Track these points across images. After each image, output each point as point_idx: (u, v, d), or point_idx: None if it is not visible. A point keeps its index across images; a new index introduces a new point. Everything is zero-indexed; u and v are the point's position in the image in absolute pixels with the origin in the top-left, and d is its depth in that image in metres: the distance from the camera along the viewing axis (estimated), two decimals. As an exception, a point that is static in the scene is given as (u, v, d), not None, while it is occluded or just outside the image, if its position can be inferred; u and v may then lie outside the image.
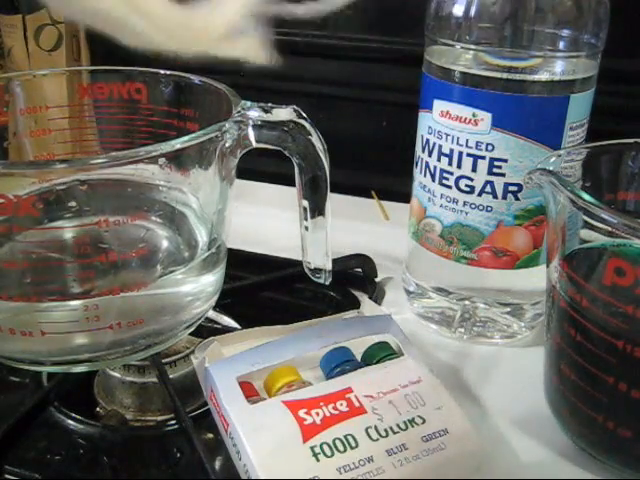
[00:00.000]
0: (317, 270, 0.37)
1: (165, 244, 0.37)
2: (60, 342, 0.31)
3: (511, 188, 0.37)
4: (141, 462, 0.33)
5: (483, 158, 0.37)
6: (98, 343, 0.32)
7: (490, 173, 0.37)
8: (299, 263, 0.38)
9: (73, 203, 0.36)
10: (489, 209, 0.38)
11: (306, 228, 0.35)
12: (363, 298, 0.39)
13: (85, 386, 0.37)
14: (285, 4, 0.35)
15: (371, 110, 0.61)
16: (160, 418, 0.36)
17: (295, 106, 0.33)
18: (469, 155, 0.37)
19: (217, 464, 0.32)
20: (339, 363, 0.33)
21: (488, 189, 0.38)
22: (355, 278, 0.48)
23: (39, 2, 0.57)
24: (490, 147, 0.37)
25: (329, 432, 0.29)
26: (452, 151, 0.38)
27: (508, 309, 0.41)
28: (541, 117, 0.36)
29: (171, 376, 0.36)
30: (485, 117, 0.36)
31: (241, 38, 0.34)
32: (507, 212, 0.38)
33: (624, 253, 0.28)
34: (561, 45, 0.35)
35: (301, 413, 0.30)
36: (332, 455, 0.28)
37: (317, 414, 0.30)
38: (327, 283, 0.38)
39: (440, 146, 0.38)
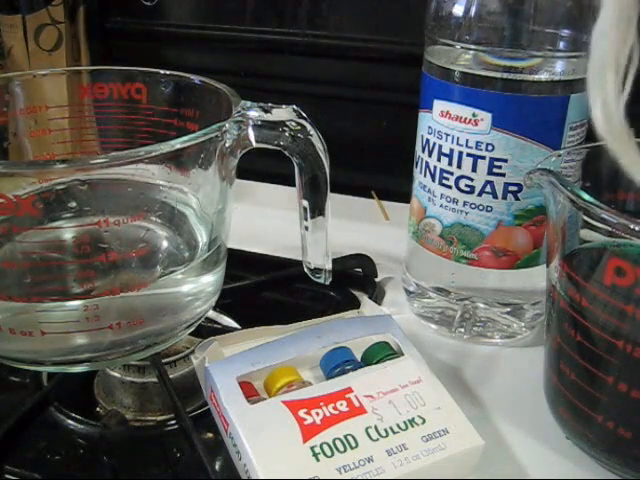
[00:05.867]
0: (317, 270, 0.37)
1: (165, 244, 0.37)
2: (60, 342, 0.31)
3: (511, 188, 0.37)
4: (141, 462, 0.33)
5: (483, 158, 0.37)
6: (98, 343, 0.32)
7: (490, 173, 0.37)
8: (299, 263, 0.38)
9: (73, 203, 0.36)
10: (489, 209, 0.38)
11: (306, 228, 0.35)
12: (363, 298, 0.39)
13: (85, 386, 0.37)
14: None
15: (371, 110, 0.61)
16: (160, 418, 0.36)
17: (295, 106, 0.33)
18: (469, 155, 0.37)
19: (217, 464, 0.32)
20: (339, 363, 0.33)
21: (488, 189, 0.38)
22: (355, 278, 0.48)
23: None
24: (490, 147, 0.37)
25: (329, 432, 0.29)
26: (452, 151, 0.38)
27: (508, 309, 0.41)
28: (541, 117, 0.36)
29: (171, 376, 0.35)
30: (485, 117, 0.36)
31: None
32: (507, 212, 0.38)
33: (624, 253, 0.28)
34: (561, 45, 0.35)
35: (301, 413, 0.30)
36: (332, 455, 0.28)
37: (317, 414, 0.30)
38: (327, 283, 0.38)
39: (440, 146, 0.38)
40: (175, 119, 0.37)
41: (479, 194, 0.38)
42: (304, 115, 0.33)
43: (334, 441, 0.29)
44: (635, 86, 0.25)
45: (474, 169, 0.37)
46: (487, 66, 0.36)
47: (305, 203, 0.35)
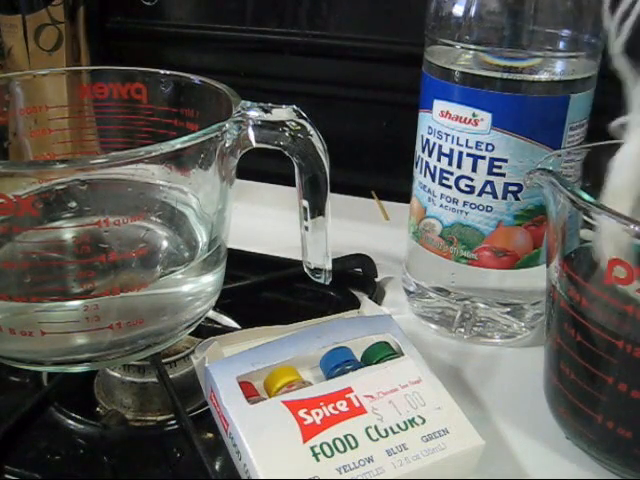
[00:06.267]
0: (317, 270, 0.37)
1: (165, 244, 0.37)
2: (60, 342, 0.31)
3: (511, 188, 0.37)
4: (141, 462, 0.33)
5: (483, 158, 0.37)
6: (98, 343, 0.32)
7: (490, 173, 0.37)
8: (299, 263, 0.38)
9: (73, 203, 0.36)
10: (489, 209, 0.38)
11: (306, 228, 0.35)
12: (363, 298, 0.39)
13: (85, 386, 0.37)
14: None
15: (371, 110, 0.61)
16: (160, 418, 0.36)
17: (295, 106, 0.33)
18: (469, 155, 0.37)
19: (217, 464, 0.32)
20: (339, 363, 0.33)
21: (488, 189, 0.38)
22: (355, 278, 0.48)
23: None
24: (490, 147, 0.37)
25: (329, 432, 0.29)
26: (452, 151, 0.38)
27: (508, 309, 0.41)
28: (541, 117, 0.36)
29: (171, 376, 0.35)
30: (485, 117, 0.36)
31: None
32: (507, 212, 0.38)
33: (624, 253, 0.28)
34: (561, 45, 0.35)
35: (301, 413, 0.30)
36: (332, 455, 0.28)
37: (317, 414, 0.30)
38: (327, 283, 0.38)
39: (440, 146, 0.38)
40: (175, 119, 0.37)
41: (479, 194, 0.38)
42: (304, 115, 0.33)
43: (334, 441, 0.29)
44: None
45: (474, 169, 0.37)
46: (487, 66, 0.36)
47: (305, 203, 0.35)
